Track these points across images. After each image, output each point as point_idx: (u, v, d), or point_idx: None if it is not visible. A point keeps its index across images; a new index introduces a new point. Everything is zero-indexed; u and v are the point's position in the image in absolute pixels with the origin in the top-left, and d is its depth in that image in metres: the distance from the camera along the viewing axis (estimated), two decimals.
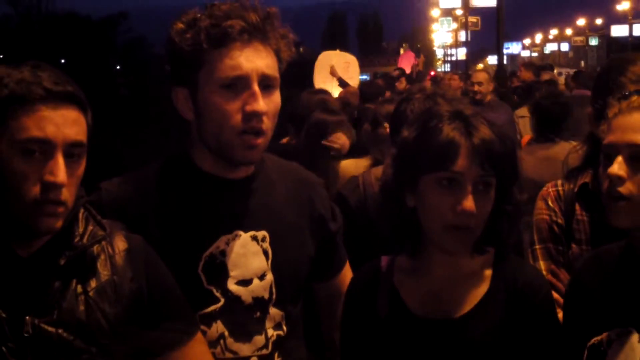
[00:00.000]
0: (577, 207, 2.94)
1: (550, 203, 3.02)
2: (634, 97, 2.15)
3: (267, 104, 2.24)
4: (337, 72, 11.60)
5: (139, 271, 2.09)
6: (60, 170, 1.87)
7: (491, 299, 2.19)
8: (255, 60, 2.22)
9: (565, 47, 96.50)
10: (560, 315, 2.37)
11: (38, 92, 1.87)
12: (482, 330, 2.15)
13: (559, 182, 3.06)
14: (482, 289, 2.21)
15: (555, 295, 2.89)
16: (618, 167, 2.06)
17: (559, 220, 2.98)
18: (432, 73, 28.88)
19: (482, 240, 2.19)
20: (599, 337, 2.17)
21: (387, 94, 11.04)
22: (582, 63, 77.81)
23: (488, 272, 2.24)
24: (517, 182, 2.21)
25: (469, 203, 2.06)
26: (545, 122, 5.79)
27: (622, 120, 2.12)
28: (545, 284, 2.31)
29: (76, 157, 1.93)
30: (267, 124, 2.25)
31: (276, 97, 2.30)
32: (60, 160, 1.87)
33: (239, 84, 2.21)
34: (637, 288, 2.15)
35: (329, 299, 2.73)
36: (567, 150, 4.88)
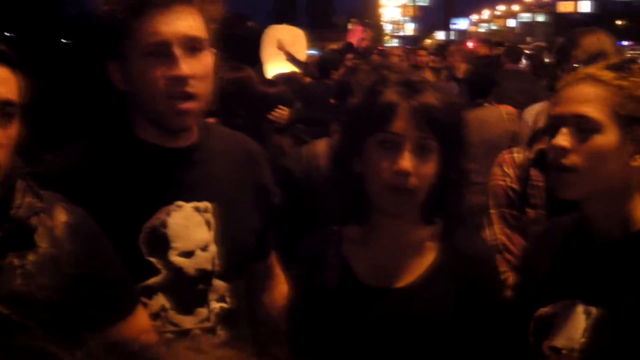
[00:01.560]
0: (533, 173, 3.00)
1: (505, 169, 3.10)
2: (581, 69, 2.18)
3: (193, 66, 2.20)
4: (284, 46, 11.53)
5: (79, 243, 2.04)
6: None
7: (437, 269, 2.22)
8: (175, 23, 2.18)
9: (512, 23, 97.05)
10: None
11: None
12: (427, 299, 2.18)
13: (515, 148, 3.19)
14: (429, 258, 2.24)
15: (508, 257, 2.96)
16: (562, 138, 2.08)
17: (514, 186, 3.05)
18: (380, 48, 28.93)
19: (430, 209, 2.21)
20: (545, 309, 2.20)
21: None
22: (529, 39, 78.42)
23: (436, 243, 2.26)
24: (464, 151, 2.23)
25: (404, 162, 2.08)
26: (474, 89, 6.64)
27: (568, 92, 2.14)
28: (493, 257, 2.34)
29: (7, 117, 1.88)
30: (197, 87, 2.21)
31: (205, 58, 2.25)
32: None
33: (160, 50, 2.17)
34: (584, 261, 2.18)
35: (254, 283, 2.73)
36: (493, 112, 5.21)
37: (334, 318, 2.22)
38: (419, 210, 2.22)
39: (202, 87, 2.24)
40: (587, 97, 2.09)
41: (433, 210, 2.23)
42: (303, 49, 12.32)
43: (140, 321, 2.15)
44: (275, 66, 11.01)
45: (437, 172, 2.16)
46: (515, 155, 3.13)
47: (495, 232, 3.06)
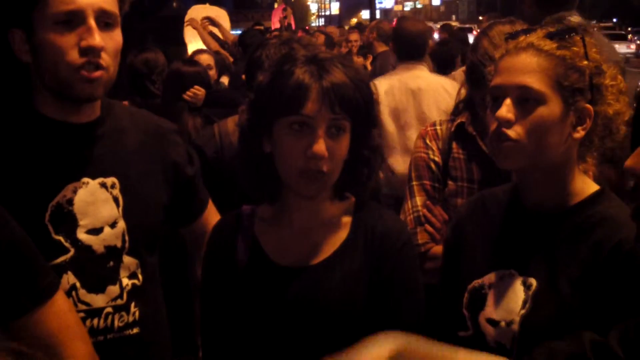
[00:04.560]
0: (455, 145, 3.04)
1: (428, 141, 3.14)
2: (522, 37, 2.14)
3: (105, 39, 2.19)
4: (207, 26, 11.41)
5: None
6: None
7: (350, 246, 2.20)
8: None
9: (437, 1, 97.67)
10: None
11: None
12: (340, 277, 2.15)
13: (437, 121, 3.23)
14: (341, 236, 2.22)
15: (429, 228, 3.00)
16: (506, 109, 2.05)
17: (436, 158, 3.10)
18: (307, 28, 28.89)
19: (342, 185, 2.20)
20: (480, 280, 2.20)
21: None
22: (454, 17, 79.12)
23: (348, 219, 2.24)
24: (375, 126, 2.21)
25: (319, 147, 2.04)
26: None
27: (509, 62, 2.11)
28: (405, 231, 2.32)
29: None
30: (107, 60, 2.20)
31: (116, 35, 2.25)
32: None
33: (74, 19, 2.15)
34: (519, 231, 2.18)
35: (194, 241, 2.75)
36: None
37: (246, 298, 2.19)
38: (331, 188, 2.20)
39: (112, 62, 2.23)
40: (530, 68, 2.06)
41: (345, 186, 2.22)
42: (226, 29, 12.25)
43: (61, 303, 2.06)
44: (197, 46, 10.92)
45: (349, 149, 2.14)
46: (438, 127, 3.17)
47: (417, 203, 3.09)
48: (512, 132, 2.05)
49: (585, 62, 2.08)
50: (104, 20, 2.20)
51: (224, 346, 2.25)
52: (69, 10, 2.14)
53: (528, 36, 2.14)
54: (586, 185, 2.17)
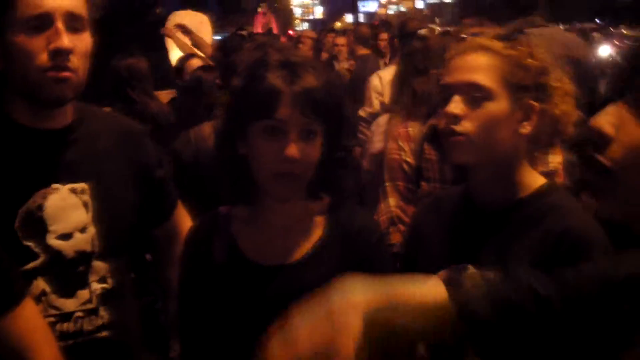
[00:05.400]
0: (427, 147, 3.06)
1: (400, 142, 3.16)
2: (469, 39, 2.25)
3: (74, 42, 2.20)
4: (176, 32, 11.36)
5: None
6: None
7: (326, 244, 2.24)
8: None
9: (420, 4, 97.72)
10: None
11: None
12: (317, 274, 2.15)
13: (410, 123, 3.20)
14: (317, 234, 2.25)
15: (402, 229, 3.01)
16: (454, 105, 2.13)
17: (409, 159, 3.12)
18: (291, 32, 28.87)
19: (315, 187, 2.23)
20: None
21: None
22: (438, 20, 79.18)
23: (323, 219, 2.28)
24: (346, 127, 2.25)
25: (291, 150, 2.07)
26: None
27: (459, 61, 2.19)
28: (379, 227, 2.37)
29: None
30: (75, 62, 2.21)
31: (85, 37, 2.26)
32: None
33: (42, 23, 2.17)
34: (471, 227, 2.24)
35: (164, 240, 2.76)
36: None
37: (224, 298, 2.21)
38: (306, 189, 2.23)
39: (81, 65, 2.24)
40: (478, 66, 2.15)
41: (319, 187, 2.24)
42: (208, 34, 12.21)
43: (29, 311, 2.07)
44: (179, 52, 10.88)
45: (322, 150, 2.17)
46: (410, 129, 3.19)
47: (390, 204, 3.11)
48: (461, 127, 2.13)
49: (531, 61, 2.16)
50: (72, 25, 2.21)
51: (202, 346, 2.26)
52: (37, 14, 2.16)
53: (477, 38, 2.24)
54: (535, 179, 2.25)
